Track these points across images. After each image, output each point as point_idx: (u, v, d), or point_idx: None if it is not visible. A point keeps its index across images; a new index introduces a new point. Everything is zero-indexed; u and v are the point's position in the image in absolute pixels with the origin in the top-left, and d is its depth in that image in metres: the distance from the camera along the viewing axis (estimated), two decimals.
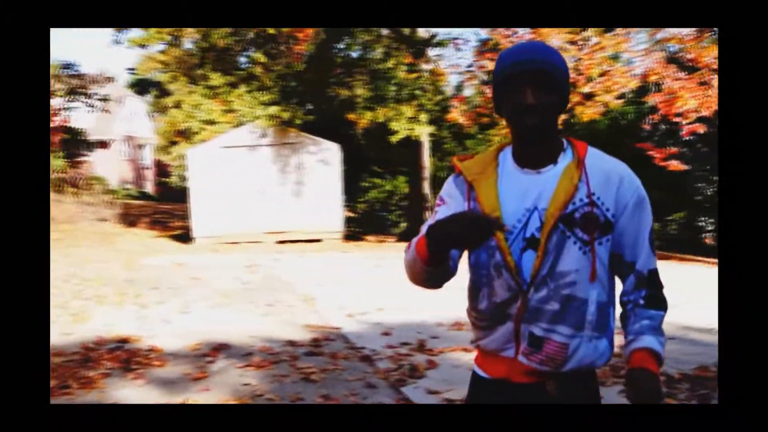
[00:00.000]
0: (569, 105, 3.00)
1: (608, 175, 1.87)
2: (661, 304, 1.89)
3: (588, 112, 15.23)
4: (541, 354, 1.85)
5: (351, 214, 20.77)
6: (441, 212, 1.95)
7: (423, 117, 16.85)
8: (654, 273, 1.91)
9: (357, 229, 20.06)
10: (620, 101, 16.05)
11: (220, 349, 6.11)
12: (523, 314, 1.85)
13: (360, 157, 21.07)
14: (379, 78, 16.87)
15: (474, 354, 2.04)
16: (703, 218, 17.96)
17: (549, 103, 1.82)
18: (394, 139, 16.87)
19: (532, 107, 1.80)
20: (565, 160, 1.89)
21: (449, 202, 1.96)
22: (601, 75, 15.18)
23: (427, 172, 18.61)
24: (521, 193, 1.86)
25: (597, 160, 1.90)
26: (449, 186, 1.99)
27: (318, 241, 16.93)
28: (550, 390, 1.87)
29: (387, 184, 22.19)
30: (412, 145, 18.15)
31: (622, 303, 1.93)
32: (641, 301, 1.89)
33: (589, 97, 15.26)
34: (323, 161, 17.39)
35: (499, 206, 1.85)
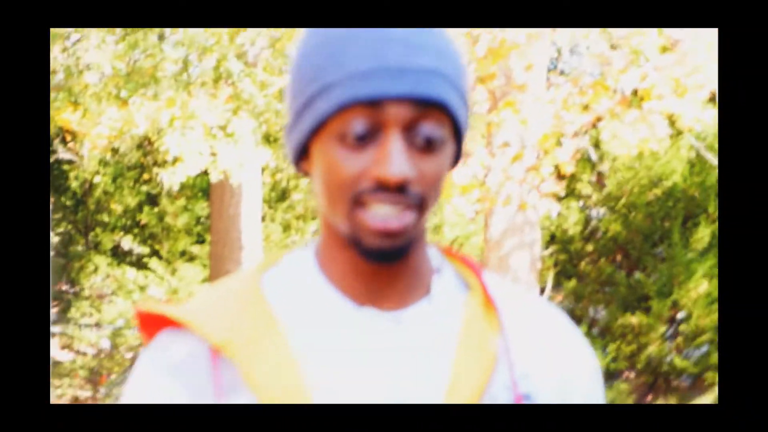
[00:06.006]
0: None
1: (540, 332, 0.89)
2: None
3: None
4: None
5: None
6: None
7: None
8: None
9: None
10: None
11: None
12: None
13: None
14: None
15: None
16: None
17: (437, 171, 0.79)
18: None
19: (403, 186, 0.76)
20: (443, 285, 0.86)
21: (166, 387, 0.90)
22: None
23: None
24: (362, 363, 0.82)
25: (508, 293, 0.89)
26: (158, 366, 0.92)
27: None
28: None
29: None
30: None
31: None
32: None
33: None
34: None
35: (310, 399, 0.83)
